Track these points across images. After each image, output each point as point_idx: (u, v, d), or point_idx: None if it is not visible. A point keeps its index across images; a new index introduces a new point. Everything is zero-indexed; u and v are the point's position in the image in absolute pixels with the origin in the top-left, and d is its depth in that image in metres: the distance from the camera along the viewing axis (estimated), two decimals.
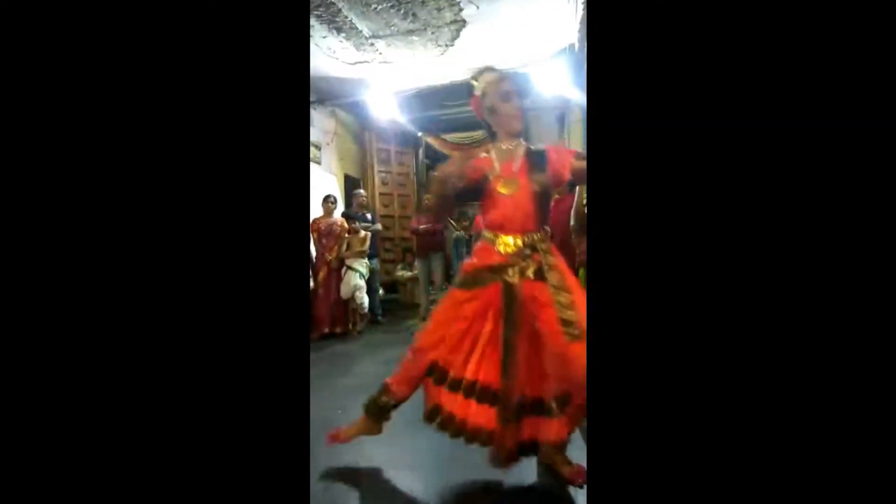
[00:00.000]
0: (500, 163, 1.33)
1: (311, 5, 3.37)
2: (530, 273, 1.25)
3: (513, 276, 1.25)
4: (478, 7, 3.47)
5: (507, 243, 1.28)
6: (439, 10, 3.48)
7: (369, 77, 4.45)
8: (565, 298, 1.21)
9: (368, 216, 4.58)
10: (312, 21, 3.58)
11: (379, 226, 4.80)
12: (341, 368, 2.87)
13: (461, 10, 3.51)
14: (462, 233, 4.09)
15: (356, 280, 3.98)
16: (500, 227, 1.30)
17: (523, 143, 1.36)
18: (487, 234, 1.34)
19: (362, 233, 4.12)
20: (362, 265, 4.06)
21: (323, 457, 1.48)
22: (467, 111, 5.39)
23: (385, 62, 4.18)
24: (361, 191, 4.79)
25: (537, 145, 1.37)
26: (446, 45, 4.01)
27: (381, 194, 6.02)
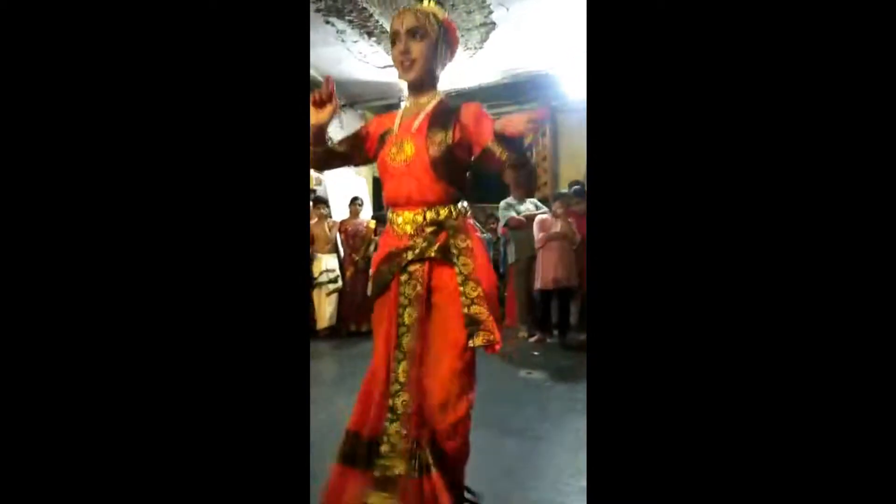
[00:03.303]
0: (401, 120, 1.07)
1: (344, 10, 3.45)
2: (431, 253, 0.99)
3: (407, 257, 1.00)
4: (507, 9, 3.47)
5: (406, 220, 1.02)
6: (469, 12, 3.50)
7: (399, 80, 4.50)
8: (473, 290, 0.96)
9: None
10: (343, 26, 3.65)
11: None
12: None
13: (491, 12, 3.52)
14: (489, 235, 4.07)
15: None
16: (396, 202, 1.04)
17: (440, 95, 1.08)
18: (388, 213, 1.08)
19: None
20: None
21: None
22: (496, 113, 5.38)
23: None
24: None
25: (455, 100, 1.09)
26: (476, 48, 4.02)
27: None
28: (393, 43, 1.05)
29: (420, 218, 1.01)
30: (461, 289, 0.97)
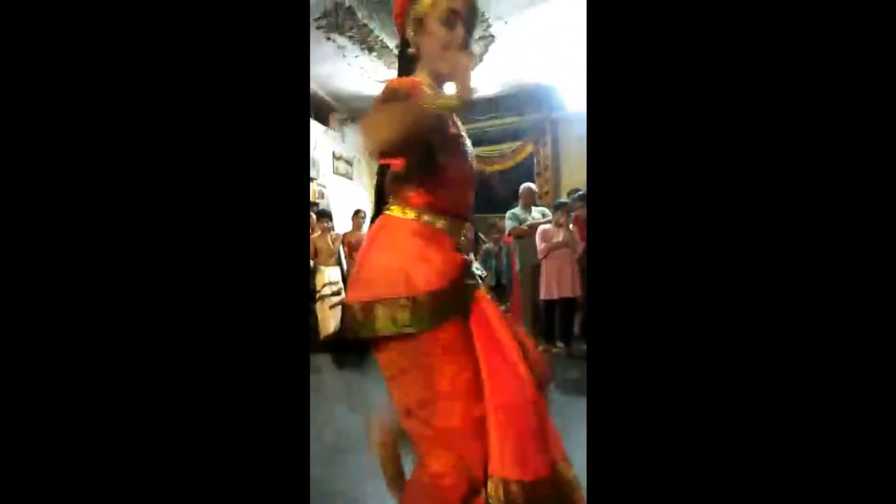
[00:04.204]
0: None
1: (345, 27, 3.50)
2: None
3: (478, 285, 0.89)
4: (506, 22, 3.52)
5: (466, 237, 0.88)
6: None
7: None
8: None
9: None
10: (344, 42, 3.70)
11: None
12: (370, 376, 2.90)
13: (490, 25, 3.56)
14: (492, 245, 4.07)
15: None
16: (457, 213, 0.89)
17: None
18: (439, 219, 0.87)
19: None
20: None
21: (350, 466, 1.50)
22: (495, 125, 5.41)
23: None
24: None
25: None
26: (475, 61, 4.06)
27: None
28: (450, 26, 0.87)
29: (470, 235, 0.88)
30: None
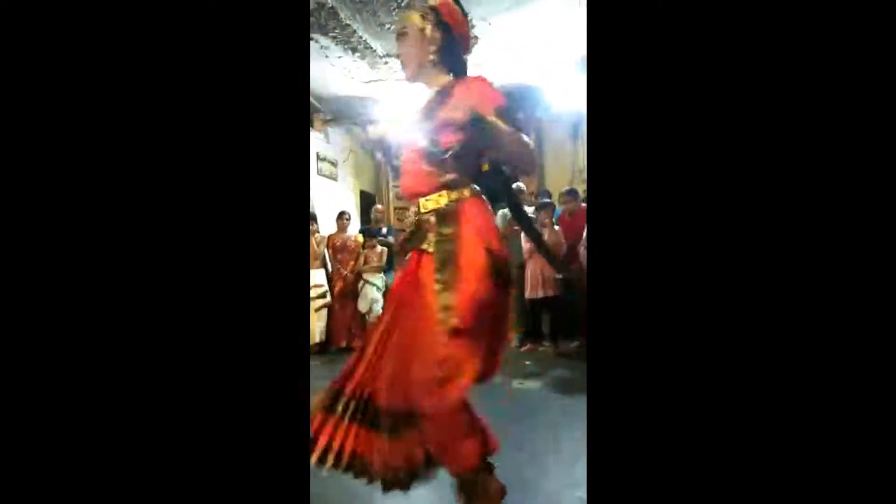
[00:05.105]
0: None
1: (328, 27, 3.47)
2: (425, 246, 1.07)
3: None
4: (490, 24, 3.53)
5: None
6: None
7: (383, 95, 4.53)
8: (450, 276, 0.97)
9: (384, 230, 4.63)
10: (328, 42, 3.67)
11: (393, 239, 4.85)
12: None
13: (473, 27, 3.57)
14: None
15: (373, 294, 4.01)
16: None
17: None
18: None
19: (379, 247, 4.16)
20: (379, 279, 4.10)
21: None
22: None
23: (399, 80, 4.26)
24: (379, 206, 4.87)
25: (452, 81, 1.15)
26: None
27: (395, 209, 6.10)
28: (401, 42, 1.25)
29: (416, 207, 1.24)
30: (437, 276, 1.08)
